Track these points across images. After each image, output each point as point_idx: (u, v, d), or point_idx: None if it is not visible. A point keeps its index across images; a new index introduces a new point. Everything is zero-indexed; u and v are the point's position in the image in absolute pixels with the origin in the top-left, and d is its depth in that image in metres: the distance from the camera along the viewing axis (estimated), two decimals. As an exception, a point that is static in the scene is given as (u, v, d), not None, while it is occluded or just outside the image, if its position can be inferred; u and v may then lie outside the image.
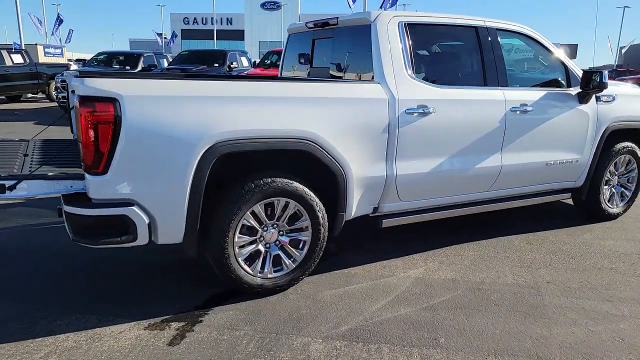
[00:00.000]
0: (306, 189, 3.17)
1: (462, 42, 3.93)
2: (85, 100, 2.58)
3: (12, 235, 4.21)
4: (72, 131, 4.20)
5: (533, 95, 4.10)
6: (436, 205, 3.88)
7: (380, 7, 15.75)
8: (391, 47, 3.48)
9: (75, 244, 2.81)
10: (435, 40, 3.81)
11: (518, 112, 3.97)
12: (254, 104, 2.97)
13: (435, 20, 3.76)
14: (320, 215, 3.25)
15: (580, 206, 4.94)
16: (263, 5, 62.91)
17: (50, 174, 2.77)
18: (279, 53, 13.62)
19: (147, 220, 2.76)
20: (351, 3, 16.60)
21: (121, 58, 14.66)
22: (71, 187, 2.76)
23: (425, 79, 3.60)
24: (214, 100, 2.86)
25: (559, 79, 4.40)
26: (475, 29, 3.93)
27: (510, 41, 4.26)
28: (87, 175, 2.69)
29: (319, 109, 3.17)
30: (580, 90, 4.34)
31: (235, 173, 3.05)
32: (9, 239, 4.13)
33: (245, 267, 3.12)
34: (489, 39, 3.96)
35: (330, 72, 4.09)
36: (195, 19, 67.70)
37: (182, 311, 3.00)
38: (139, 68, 13.95)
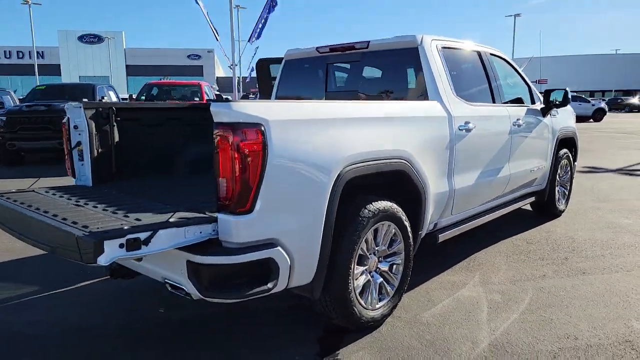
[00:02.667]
0: (402, 211, 3.10)
1: (474, 63, 4.25)
2: (233, 127, 2.18)
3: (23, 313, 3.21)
4: (73, 175, 3.41)
5: (521, 110, 4.64)
6: (470, 215, 4.09)
7: (249, 41, 15.89)
8: (438, 67, 3.63)
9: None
10: (458, 62, 4.05)
11: (516, 125, 4.44)
12: (368, 125, 2.84)
13: (455, 45, 4.02)
14: (411, 236, 3.20)
15: (540, 207, 5.63)
16: (81, 38, 57.99)
17: (172, 219, 2.24)
18: (160, 86, 12.79)
19: (289, 262, 2.40)
20: (217, 37, 16.41)
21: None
22: (200, 233, 2.26)
23: (461, 97, 3.82)
24: (341, 122, 2.66)
25: (526, 96, 5.04)
26: (479, 52, 4.31)
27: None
28: (225, 216, 2.25)
29: (408, 128, 3.15)
30: (544, 105, 5.04)
31: (346, 199, 2.83)
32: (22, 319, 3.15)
33: (361, 300, 2.89)
34: (489, 61, 4.38)
35: (359, 95, 4.05)
36: (-10, 52, 59.09)
37: (310, 362, 2.65)
38: (-21, 106, 11.73)
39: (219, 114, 2.20)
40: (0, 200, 2.73)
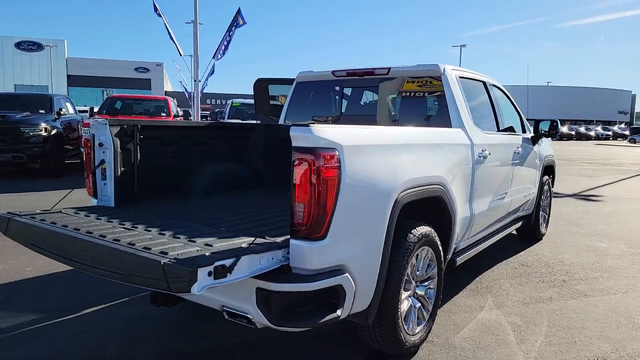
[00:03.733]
0: (437, 235, 3.15)
1: (482, 93, 4.43)
2: (313, 152, 2.15)
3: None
4: (94, 195, 3.21)
5: (518, 139, 4.86)
6: (479, 238, 4.21)
7: (213, 57, 15.70)
8: (459, 96, 3.76)
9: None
10: (470, 91, 4.20)
11: (516, 153, 4.66)
12: (418, 151, 2.89)
13: (467, 75, 4.18)
14: (443, 260, 3.25)
15: (525, 231, 5.88)
16: (19, 45, 54.92)
17: (244, 245, 2.16)
18: (123, 99, 12.32)
19: (354, 288, 2.38)
20: (181, 51, 16.13)
21: None
22: (272, 259, 2.20)
23: (476, 125, 3.96)
24: (398, 148, 2.69)
25: (518, 125, 5.29)
26: (484, 82, 4.51)
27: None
28: (299, 242, 2.20)
29: (443, 155, 3.23)
30: (534, 134, 5.32)
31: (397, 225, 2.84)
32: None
33: (405, 326, 2.89)
34: (492, 91, 4.58)
35: (378, 119, 4.11)
36: None
37: (363, 390, 2.61)
38: None
39: (299, 138, 2.16)
40: (33, 222, 2.52)
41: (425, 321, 3.13)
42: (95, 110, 11.58)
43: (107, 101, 11.68)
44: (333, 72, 4.25)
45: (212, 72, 25.15)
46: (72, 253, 2.24)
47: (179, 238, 2.28)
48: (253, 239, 2.33)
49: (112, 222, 2.59)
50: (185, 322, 3.42)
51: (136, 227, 2.47)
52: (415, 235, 2.86)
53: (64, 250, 2.28)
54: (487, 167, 3.91)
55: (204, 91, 38.57)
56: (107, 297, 3.78)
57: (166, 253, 1.97)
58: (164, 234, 2.35)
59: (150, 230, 2.41)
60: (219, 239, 2.30)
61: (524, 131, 5.30)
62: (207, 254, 1.99)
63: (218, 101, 61.25)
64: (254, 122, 5.46)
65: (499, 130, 4.48)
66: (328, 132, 2.23)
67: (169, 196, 3.52)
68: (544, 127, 5.38)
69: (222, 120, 12.89)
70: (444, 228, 3.30)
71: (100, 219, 2.64)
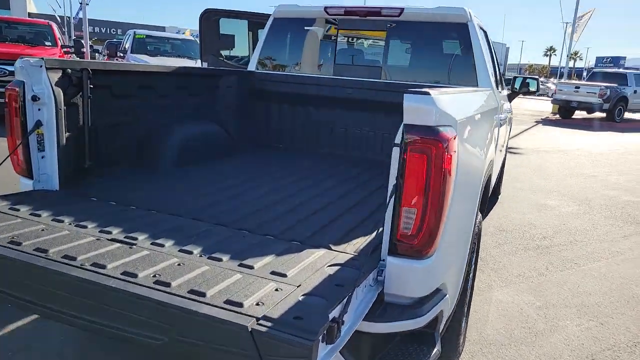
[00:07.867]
0: (480, 219, 2.66)
1: (488, 45, 3.91)
2: (435, 133, 1.46)
3: None
4: (28, 175, 2.18)
5: (505, 96, 4.51)
6: None
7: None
8: (484, 49, 3.21)
9: None
10: (486, 43, 3.65)
11: (507, 110, 4.30)
12: (488, 120, 2.32)
13: (481, 24, 3.63)
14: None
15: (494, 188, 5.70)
16: None
17: (326, 268, 1.46)
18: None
19: (449, 309, 1.81)
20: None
21: None
22: (365, 287, 1.52)
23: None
24: (482, 118, 2.08)
25: (500, 81, 4.93)
26: (485, 33, 3.99)
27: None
28: (402, 261, 1.55)
29: (491, 122, 2.69)
30: (511, 92, 5.01)
31: None
32: None
33: (458, 330, 2.42)
34: (489, 42, 4.10)
35: (384, 72, 3.41)
36: None
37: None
38: None
39: (417, 110, 1.45)
40: None
41: (464, 317, 2.70)
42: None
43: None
44: (326, 8, 3.43)
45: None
46: (48, 298, 1.36)
47: (220, 260, 1.50)
48: (325, 251, 1.63)
49: (83, 225, 1.69)
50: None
51: (135, 239, 1.61)
52: (477, 227, 2.34)
53: (32, 294, 1.39)
54: (500, 127, 3.48)
55: (79, 16, 34.07)
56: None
57: (239, 303, 1.20)
58: (190, 252, 1.54)
59: (163, 245, 1.58)
60: (278, 257, 1.56)
61: (502, 87, 4.97)
62: (300, 297, 1.27)
63: (95, 29, 54.64)
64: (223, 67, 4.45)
65: (497, 86, 4.05)
66: (445, 103, 1.54)
67: (129, 171, 2.60)
68: (517, 84, 5.10)
69: (122, 55, 11.04)
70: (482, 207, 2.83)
71: (60, 221, 1.72)
